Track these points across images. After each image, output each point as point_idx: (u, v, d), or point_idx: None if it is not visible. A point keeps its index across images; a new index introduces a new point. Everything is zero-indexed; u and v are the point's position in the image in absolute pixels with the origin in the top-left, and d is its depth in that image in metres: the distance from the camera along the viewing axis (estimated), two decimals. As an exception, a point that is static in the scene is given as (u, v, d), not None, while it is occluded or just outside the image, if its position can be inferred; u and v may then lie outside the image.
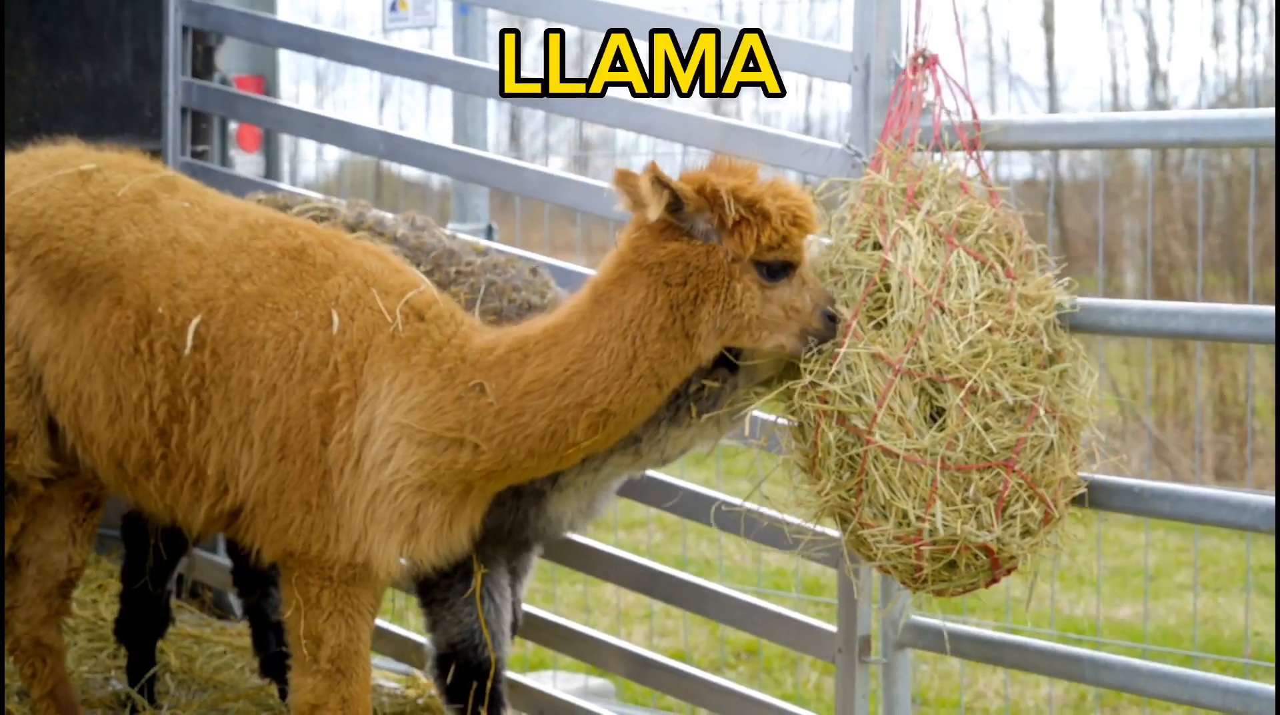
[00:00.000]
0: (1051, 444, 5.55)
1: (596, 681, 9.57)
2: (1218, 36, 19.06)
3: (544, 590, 11.68)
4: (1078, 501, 5.77)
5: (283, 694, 7.37)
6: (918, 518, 5.46)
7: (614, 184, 5.55)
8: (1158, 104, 19.86)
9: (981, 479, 5.46)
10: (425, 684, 7.77)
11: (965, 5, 6.11)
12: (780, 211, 5.50)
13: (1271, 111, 5.50)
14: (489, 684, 6.41)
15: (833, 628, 6.50)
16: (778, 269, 5.53)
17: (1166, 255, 17.13)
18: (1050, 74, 21.26)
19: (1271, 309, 5.53)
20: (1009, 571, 5.61)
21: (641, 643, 10.25)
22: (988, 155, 6.13)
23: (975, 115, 6.06)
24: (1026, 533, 5.51)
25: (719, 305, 5.50)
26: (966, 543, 5.45)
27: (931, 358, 5.50)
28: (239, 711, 7.48)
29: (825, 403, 5.57)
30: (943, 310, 5.56)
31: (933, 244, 5.68)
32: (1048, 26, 20.95)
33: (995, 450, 5.45)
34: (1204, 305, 5.77)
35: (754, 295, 5.51)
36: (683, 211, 5.49)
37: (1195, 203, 16.78)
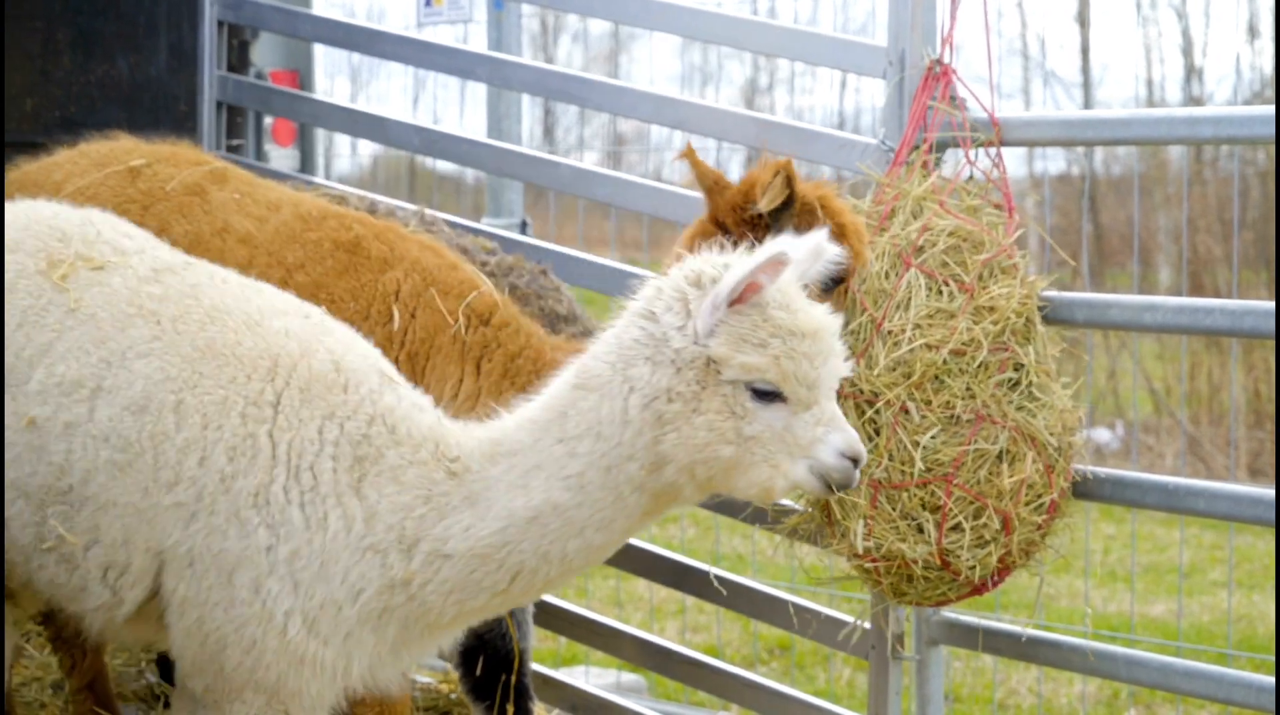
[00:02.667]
0: (1002, 454, 5.56)
1: (629, 677, 9.58)
2: (1253, 32, 18.96)
3: (576, 585, 11.68)
4: (1082, 494, 5.81)
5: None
6: (856, 535, 5.55)
7: (683, 156, 5.57)
8: (1193, 100, 19.78)
9: (916, 495, 5.50)
10: (457, 678, 7.78)
11: (999, 1, 6.11)
12: (855, 228, 5.53)
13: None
14: (514, 676, 6.40)
15: (867, 624, 6.48)
16: (833, 284, 5.59)
17: (1200, 251, 17.07)
18: (1085, 69, 21.17)
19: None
20: (986, 583, 5.64)
21: (674, 638, 10.24)
22: (1021, 151, 6.13)
23: (995, 122, 6.06)
24: (982, 544, 5.53)
25: None
26: (904, 558, 5.50)
27: (866, 380, 5.56)
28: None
29: None
30: (887, 332, 5.60)
31: (889, 267, 5.73)
32: (1082, 22, 20.87)
33: (925, 466, 5.49)
34: (1239, 302, 5.75)
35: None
36: (785, 215, 5.50)
37: (1230, 198, 16.73)
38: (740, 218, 5.51)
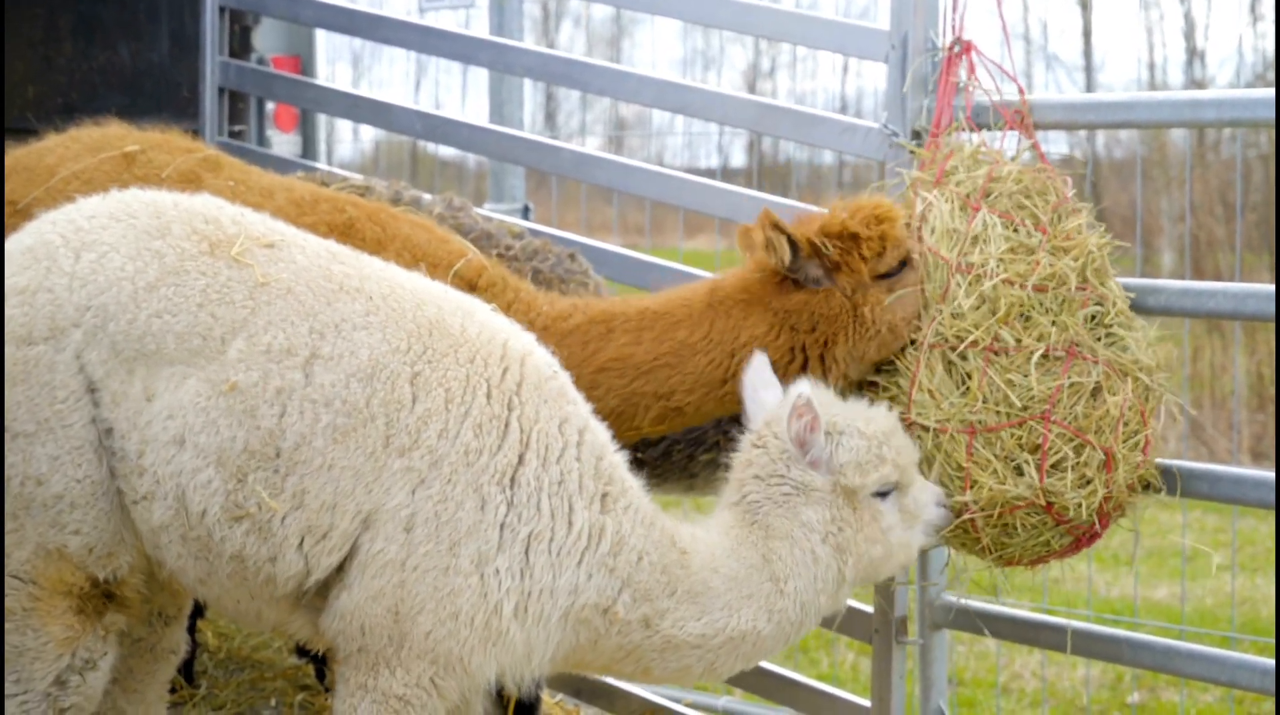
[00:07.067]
0: (1096, 387, 5.51)
1: (632, 661, 9.56)
2: (1255, 15, 18.95)
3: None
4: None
5: (319, 674, 7.39)
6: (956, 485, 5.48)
7: (739, 241, 5.59)
8: (1195, 83, 19.76)
9: (1014, 436, 5.44)
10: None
11: (1002, -16, 6.09)
12: (864, 222, 5.51)
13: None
14: None
15: (869, 608, 6.49)
16: (896, 269, 5.57)
17: (1203, 234, 17.05)
18: (1087, 53, 21.15)
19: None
20: (1091, 533, 5.56)
21: (677, 622, 10.22)
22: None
23: (1021, 92, 6.05)
24: (1084, 482, 5.48)
25: (852, 339, 5.54)
26: (1009, 501, 5.43)
27: (950, 324, 5.52)
28: (276, 690, 7.50)
29: (875, 393, 5.63)
30: (966, 266, 5.56)
31: (958, 210, 5.68)
32: (1084, 5, 20.85)
33: (1021, 404, 5.44)
34: (1242, 285, 5.75)
35: (881, 307, 5.55)
36: (798, 260, 5.50)
37: (1232, 181, 16.71)
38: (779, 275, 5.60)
